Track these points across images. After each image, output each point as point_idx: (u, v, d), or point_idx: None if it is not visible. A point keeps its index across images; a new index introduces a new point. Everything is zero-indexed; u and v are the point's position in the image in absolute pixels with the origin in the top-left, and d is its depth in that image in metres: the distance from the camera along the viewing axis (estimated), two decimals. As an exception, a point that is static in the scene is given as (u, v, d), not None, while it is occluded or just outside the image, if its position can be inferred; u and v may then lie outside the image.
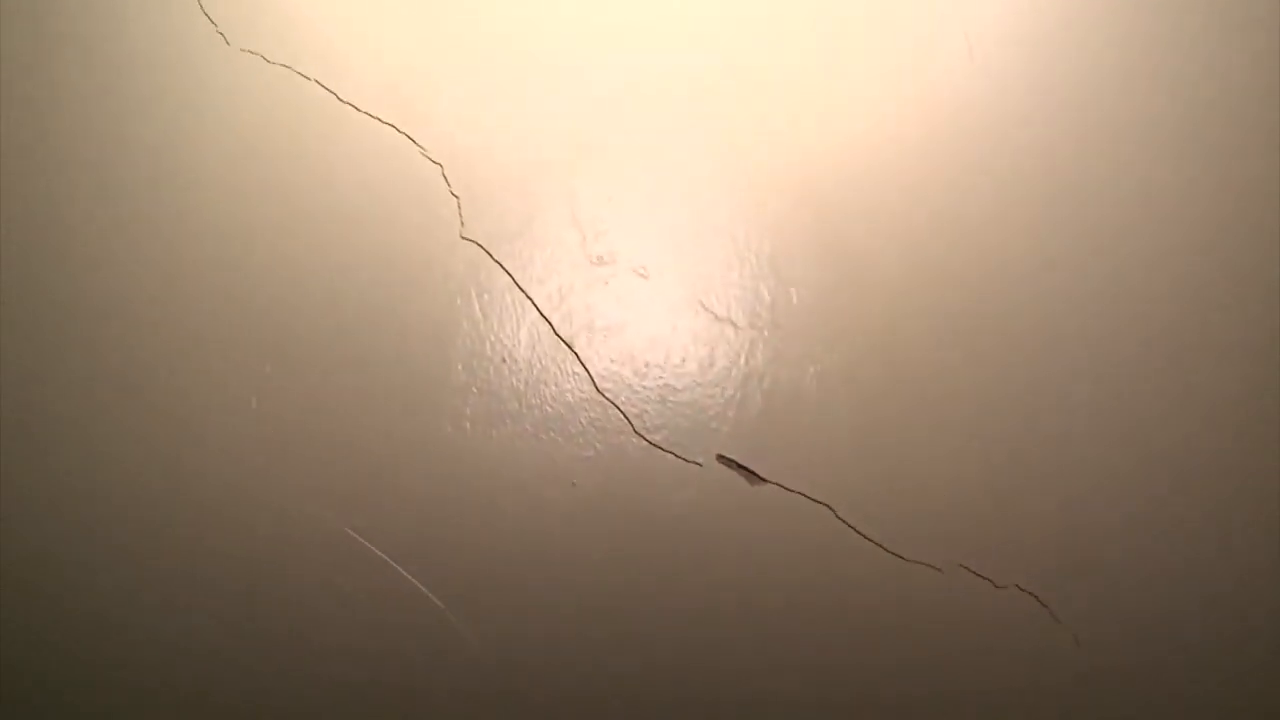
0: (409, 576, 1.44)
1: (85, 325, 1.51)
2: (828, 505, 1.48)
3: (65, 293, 1.52)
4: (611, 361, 1.51)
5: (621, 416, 1.49)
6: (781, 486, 1.48)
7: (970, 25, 1.64)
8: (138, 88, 1.63)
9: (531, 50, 1.63)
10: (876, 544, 1.48)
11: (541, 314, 1.51)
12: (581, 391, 1.50)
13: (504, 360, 1.49)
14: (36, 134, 1.59)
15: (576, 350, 1.50)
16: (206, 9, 1.65)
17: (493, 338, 1.50)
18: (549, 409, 1.49)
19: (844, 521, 1.48)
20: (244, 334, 1.50)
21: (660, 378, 1.51)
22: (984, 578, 1.45)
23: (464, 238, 1.54)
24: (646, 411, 1.50)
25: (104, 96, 1.63)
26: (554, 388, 1.50)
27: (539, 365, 1.50)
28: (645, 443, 1.49)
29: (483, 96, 1.61)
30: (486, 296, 1.51)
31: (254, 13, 1.64)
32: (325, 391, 1.47)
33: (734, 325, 1.52)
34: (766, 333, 1.51)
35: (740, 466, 1.50)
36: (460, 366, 1.49)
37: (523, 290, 1.51)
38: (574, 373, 1.50)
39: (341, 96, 1.60)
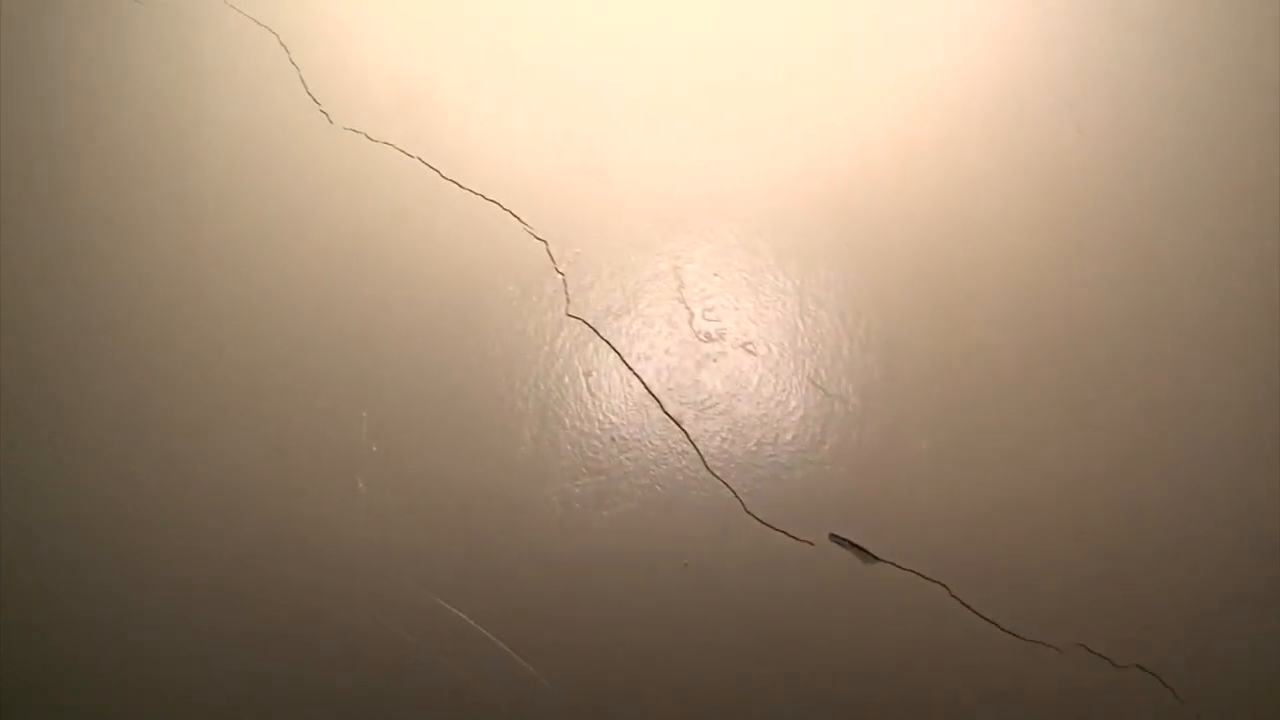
0: (521, 660, 1.45)
1: (213, 402, 1.52)
2: (942, 584, 1.47)
3: (197, 388, 1.53)
4: (721, 440, 1.50)
5: (732, 495, 1.49)
6: (895, 565, 1.47)
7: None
8: (240, 163, 1.65)
9: (636, 131, 1.62)
10: (992, 623, 1.47)
11: (650, 392, 1.51)
12: (691, 470, 1.50)
13: (613, 439, 1.50)
14: (136, 210, 1.61)
15: (685, 428, 1.50)
16: (310, 89, 1.66)
17: (600, 416, 1.50)
18: (658, 488, 1.49)
19: (959, 600, 1.47)
20: (351, 414, 1.51)
21: (771, 456, 1.50)
22: (1104, 657, 1.43)
23: (570, 315, 1.54)
24: (757, 490, 1.49)
25: (204, 171, 1.65)
26: (663, 466, 1.50)
27: (648, 444, 1.50)
28: (757, 522, 1.49)
29: (588, 174, 1.61)
30: (594, 375, 1.52)
31: (356, 93, 1.65)
32: (431, 471, 1.49)
33: (844, 401, 1.51)
34: (878, 408, 1.50)
35: (853, 545, 1.49)
36: (569, 445, 1.50)
37: (630, 368, 1.51)
38: (683, 451, 1.50)
39: (445, 174, 1.60)
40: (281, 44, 1.70)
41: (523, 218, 1.58)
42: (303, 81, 1.67)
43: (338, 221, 1.58)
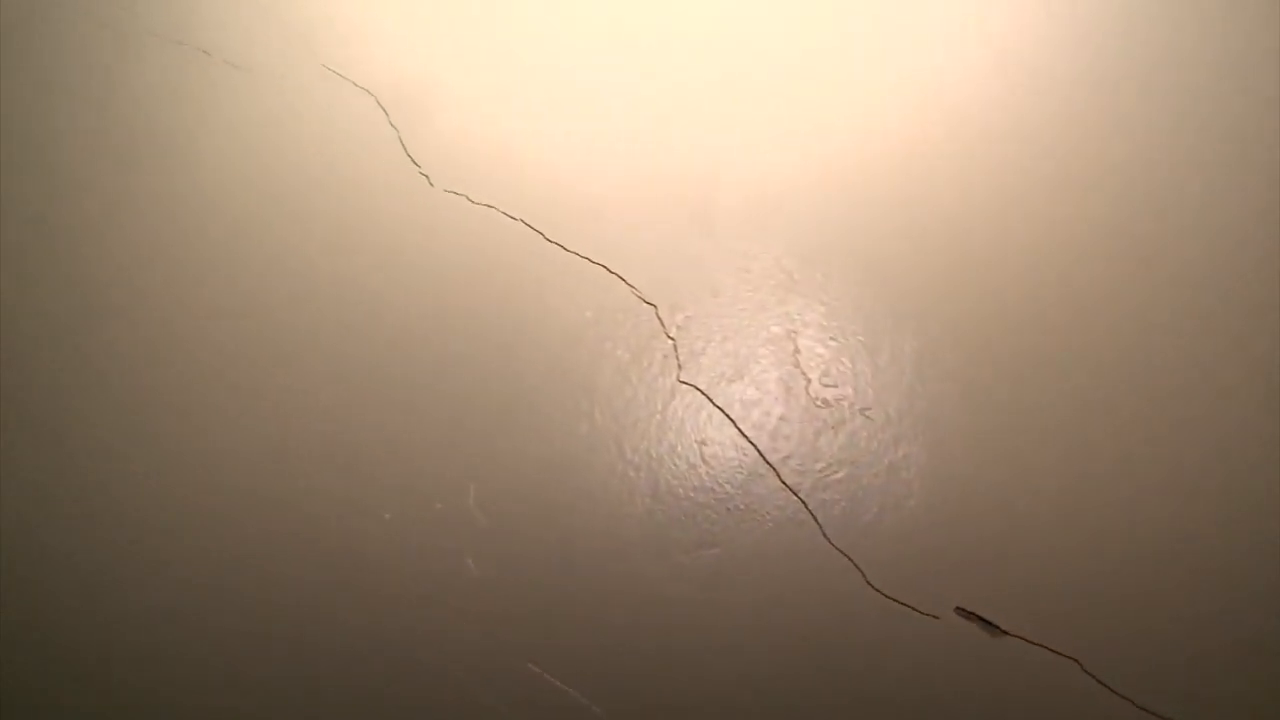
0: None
1: (322, 468, 1.50)
2: (1074, 659, 1.42)
3: (308, 458, 1.51)
4: (841, 509, 1.46)
5: (853, 568, 1.45)
6: (1024, 639, 1.42)
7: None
8: (345, 226, 1.63)
9: (743, 192, 1.59)
10: (1128, 700, 1.41)
11: (766, 460, 1.47)
12: (810, 542, 1.46)
13: (728, 510, 1.46)
14: (243, 278, 1.60)
15: (803, 498, 1.46)
16: (410, 151, 1.64)
17: (715, 486, 1.47)
18: (777, 560, 1.45)
19: (1092, 676, 1.42)
20: (458, 483, 1.48)
21: (892, 526, 1.46)
22: (1249, 737, 1.38)
23: (682, 381, 1.50)
24: (879, 562, 1.45)
25: (309, 235, 1.63)
26: (781, 538, 1.46)
27: (764, 514, 1.46)
28: (879, 595, 1.44)
29: (696, 235, 1.58)
30: (708, 444, 1.48)
31: (457, 155, 1.64)
32: (539, 543, 1.46)
33: (966, 468, 1.46)
34: (1001, 476, 1.46)
35: (979, 619, 1.44)
36: (683, 517, 1.46)
37: (746, 436, 1.48)
38: (801, 522, 1.46)
39: (549, 236, 1.58)
40: (380, 106, 1.69)
41: (630, 281, 1.55)
42: (402, 144, 1.66)
43: (442, 285, 1.56)
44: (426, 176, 1.62)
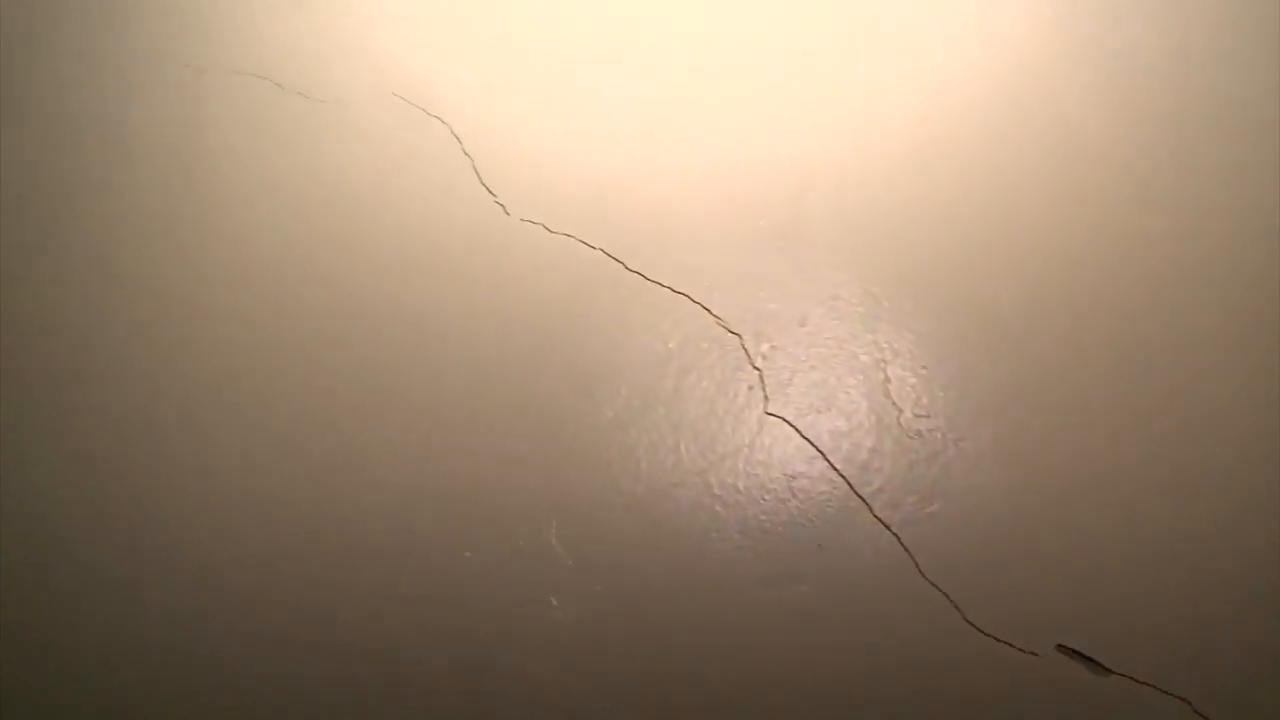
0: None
1: (398, 508, 1.49)
2: (1183, 699, 1.37)
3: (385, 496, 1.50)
4: (935, 544, 1.43)
5: (949, 604, 1.41)
6: (1130, 678, 1.37)
7: None
8: (420, 255, 1.62)
9: (831, 211, 1.56)
10: (1241, 741, 1.36)
11: (858, 494, 1.43)
12: (904, 577, 1.42)
13: (819, 545, 1.43)
14: (321, 308, 1.59)
15: (896, 532, 1.42)
16: (485, 179, 1.62)
17: (805, 521, 1.44)
18: (870, 596, 1.42)
19: (1202, 716, 1.36)
20: (540, 518, 1.46)
21: (990, 561, 1.42)
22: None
23: (769, 413, 1.47)
24: (976, 598, 1.41)
25: (384, 264, 1.62)
26: (874, 574, 1.43)
27: (857, 550, 1.43)
28: (977, 632, 1.40)
29: (782, 262, 1.54)
30: (798, 478, 1.45)
31: (534, 184, 1.61)
32: (624, 581, 1.45)
33: (1067, 501, 1.42)
34: (1104, 509, 1.41)
35: (1082, 656, 1.40)
36: (772, 552, 1.43)
37: (837, 470, 1.44)
38: (895, 556, 1.42)
39: (630, 266, 1.55)
40: (453, 134, 1.67)
41: (714, 310, 1.52)
42: (476, 172, 1.64)
43: (520, 317, 1.54)
44: (502, 205, 1.60)
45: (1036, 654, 1.39)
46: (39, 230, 1.68)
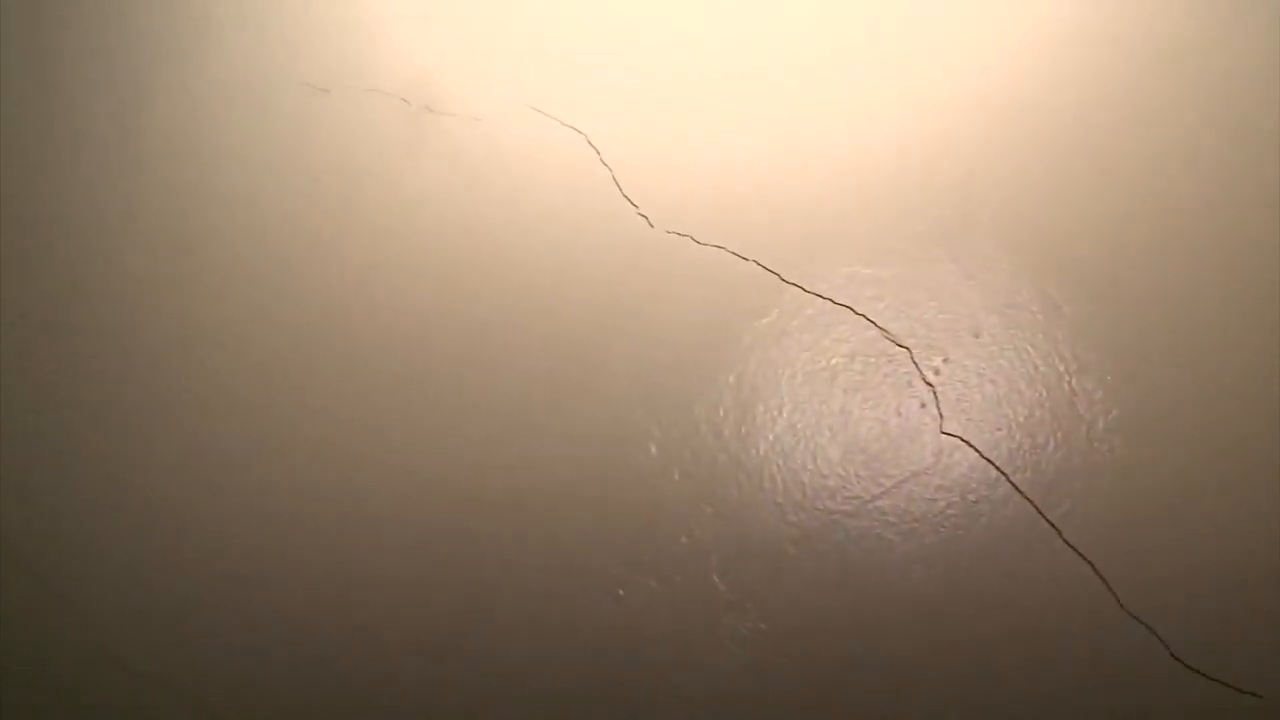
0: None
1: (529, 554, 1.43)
2: None
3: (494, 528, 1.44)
4: (1138, 574, 1.31)
5: (1153, 638, 1.29)
6: (1368, 720, 1.24)
7: None
8: (563, 271, 1.56)
9: (1000, 215, 1.45)
10: None
11: (1046, 519, 1.33)
12: (1102, 608, 1.31)
13: (1008, 575, 1.32)
14: (463, 333, 1.53)
15: (1093, 562, 1.31)
16: (626, 191, 1.54)
17: (993, 550, 1.33)
18: (1065, 629, 1.31)
19: None
20: (696, 550, 1.38)
21: (1199, 591, 1.29)
22: None
23: (945, 433, 1.36)
24: (1184, 631, 1.29)
25: (527, 281, 1.56)
26: (1070, 607, 1.32)
27: (1050, 581, 1.33)
28: (1187, 670, 1.28)
29: (950, 267, 1.43)
30: (981, 503, 1.34)
31: (679, 193, 1.54)
32: (791, 615, 1.41)
33: (1284, 522, 1.29)
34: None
35: (1312, 697, 1.27)
36: (957, 585, 1.32)
37: (1022, 493, 1.33)
38: (1090, 586, 1.31)
39: (785, 278, 1.46)
40: (590, 144, 1.60)
41: (879, 322, 1.42)
42: (617, 183, 1.56)
43: (667, 335, 1.47)
44: (645, 217, 1.53)
45: (1259, 695, 1.27)
46: (175, 247, 1.66)
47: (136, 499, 1.55)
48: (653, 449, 1.45)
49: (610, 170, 1.63)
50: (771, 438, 1.45)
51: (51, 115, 1.88)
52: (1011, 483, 1.39)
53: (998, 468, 1.39)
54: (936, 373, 1.44)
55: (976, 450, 1.40)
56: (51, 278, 1.74)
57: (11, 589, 1.52)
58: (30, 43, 1.96)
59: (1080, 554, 1.36)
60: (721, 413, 1.46)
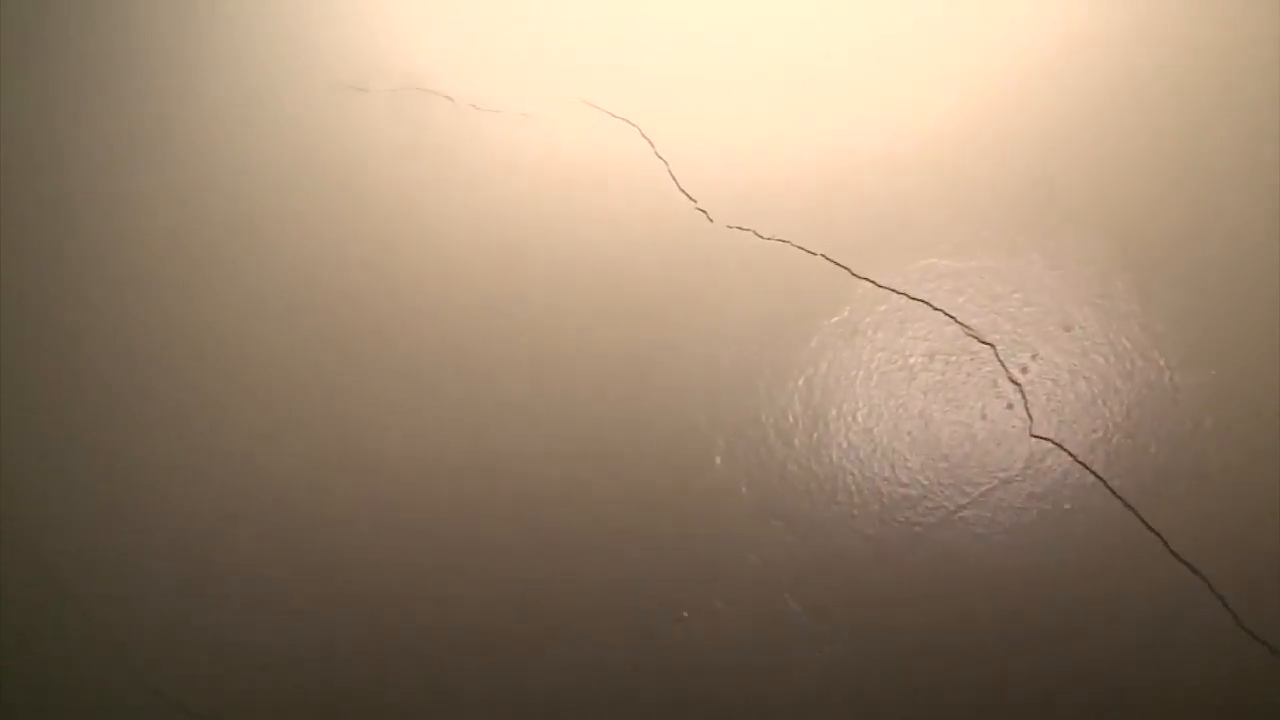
0: None
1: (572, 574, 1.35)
2: None
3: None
4: (1250, 588, 1.19)
5: (1273, 657, 1.16)
6: None
7: None
8: (621, 271, 1.49)
9: (1089, 199, 1.33)
10: None
11: (1150, 528, 1.22)
12: (1217, 626, 1.20)
13: (1112, 592, 1.21)
14: (517, 337, 1.46)
15: (1202, 573, 1.19)
16: (682, 184, 1.45)
17: (1091, 563, 1.22)
18: (1177, 650, 1.20)
19: None
20: (768, 569, 1.29)
21: (1325, 605, 1.17)
22: None
23: (1036, 435, 1.26)
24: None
25: (579, 283, 1.48)
26: (1179, 622, 1.21)
27: (1158, 596, 1.23)
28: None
29: (1036, 256, 1.32)
30: (1077, 513, 1.23)
31: (739, 186, 1.45)
32: (872, 645, 1.30)
33: None
34: None
35: None
36: (1054, 602, 1.22)
37: (1121, 499, 1.22)
38: (1202, 602, 1.20)
39: (856, 271, 1.37)
40: (644, 136, 1.52)
41: (960, 318, 1.31)
42: (673, 177, 1.48)
43: (731, 335, 1.39)
44: (704, 212, 1.44)
45: None
46: (216, 252, 1.61)
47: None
48: (717, 460, 1.36)
49: (666, 163, 1.55)
50: (845, 445, 1.35)
51: (94, 119, 1.85)
52: (1110, 489, 1.28)
53: (1094, 473, 1.28)
54: (1024, 371, 1.33)
55: (1070, 454, 1.29)
56: (88, 275, 1.70)
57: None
58: (63, 53, 1.93)
59: (1190, 566, 1.25)
60: (791, 419, 1.37)
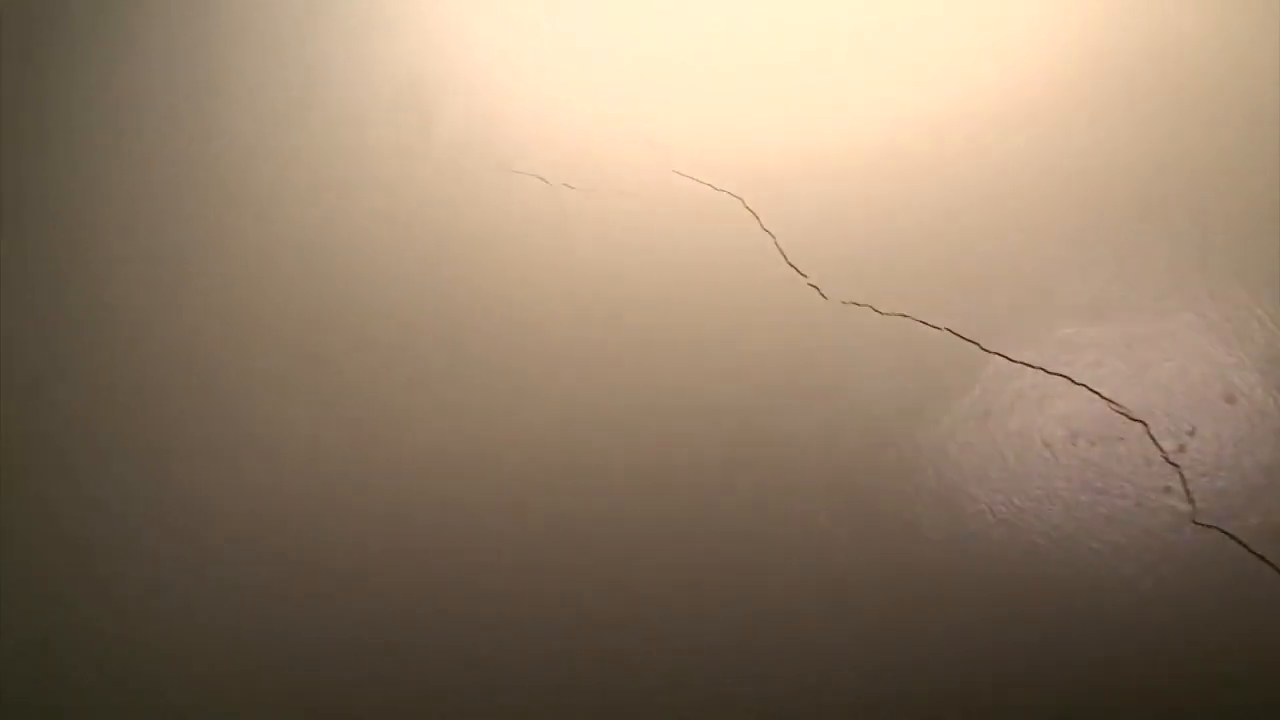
0: None
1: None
2: None
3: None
4: None
5: None
6: None
7: None
8: (732, 349, 1.42)
9: (1248, 241, 1.20)
10: None
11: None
12: None
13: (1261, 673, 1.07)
14: (606, 404, 1.41)
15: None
16: (792, 260, 1.38)
17: (1275, 668, 1.08)
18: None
19: None
20: (886, 670, 1.20)
21: None
22: None
23: (1199, 523, 1.14)
24: None
25: (695, 361, 1.42)
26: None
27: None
28: None
29: (1192, 318, 1.20)
30: (1252, 608, 1.09)
31: (852, 258, 1.37)
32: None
33: None
34: None
35: None
36: (1225, 713, 1.09)
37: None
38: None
39: (985, 346, 1.25)
40: (748, 208, 1.45)
41: (1105, 393, 1.20)
42: (781, 251, 1.41)
43: (850, 418, 1.32)
44: (816, 287, 1.36)
45: None
46: (321, 308, 1.61)
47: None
48: (840, 557, 1.29)
49: (773, 236, 1.48)
50: (975, 530, 1.26)
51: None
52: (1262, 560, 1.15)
53: (1270, 563, 1.15)
54: (1182, 449, 1.22)
55: (1240, 543, 1.17)
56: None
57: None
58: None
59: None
60: (917, 511, 1.28)
